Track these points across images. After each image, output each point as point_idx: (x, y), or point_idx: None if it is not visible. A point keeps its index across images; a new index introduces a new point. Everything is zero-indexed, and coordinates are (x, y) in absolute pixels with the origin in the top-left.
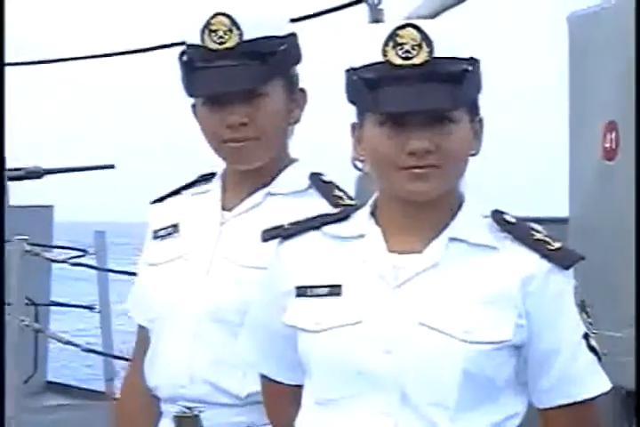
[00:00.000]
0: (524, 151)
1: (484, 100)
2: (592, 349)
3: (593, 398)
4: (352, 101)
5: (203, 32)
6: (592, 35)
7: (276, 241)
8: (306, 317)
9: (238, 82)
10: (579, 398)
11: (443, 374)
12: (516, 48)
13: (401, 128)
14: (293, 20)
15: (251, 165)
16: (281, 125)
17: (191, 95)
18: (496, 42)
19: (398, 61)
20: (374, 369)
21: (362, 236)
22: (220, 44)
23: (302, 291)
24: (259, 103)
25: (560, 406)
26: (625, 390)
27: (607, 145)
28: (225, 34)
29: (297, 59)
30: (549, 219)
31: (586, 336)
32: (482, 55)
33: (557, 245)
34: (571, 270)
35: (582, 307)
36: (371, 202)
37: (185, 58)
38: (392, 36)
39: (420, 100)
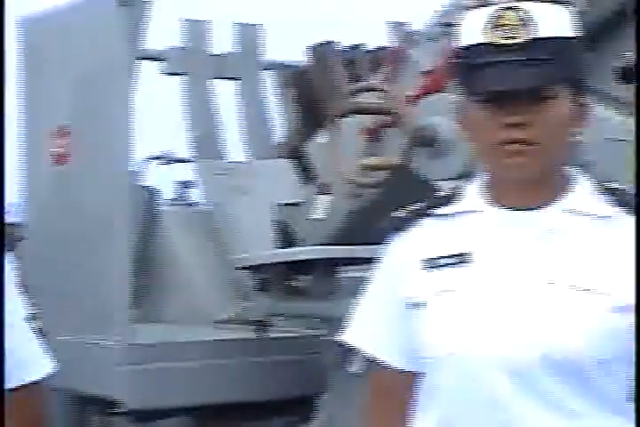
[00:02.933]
0: None
1: None
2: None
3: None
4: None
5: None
6: (45, 39)
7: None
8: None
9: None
10: (27, 381)
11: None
12: None
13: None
14: None
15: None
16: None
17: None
18: None
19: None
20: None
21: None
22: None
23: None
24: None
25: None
26: None
27: (58, 150)
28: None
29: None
30: None
31: (28, 319)
32: None
33: None
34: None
35: (22, 289)
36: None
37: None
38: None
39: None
